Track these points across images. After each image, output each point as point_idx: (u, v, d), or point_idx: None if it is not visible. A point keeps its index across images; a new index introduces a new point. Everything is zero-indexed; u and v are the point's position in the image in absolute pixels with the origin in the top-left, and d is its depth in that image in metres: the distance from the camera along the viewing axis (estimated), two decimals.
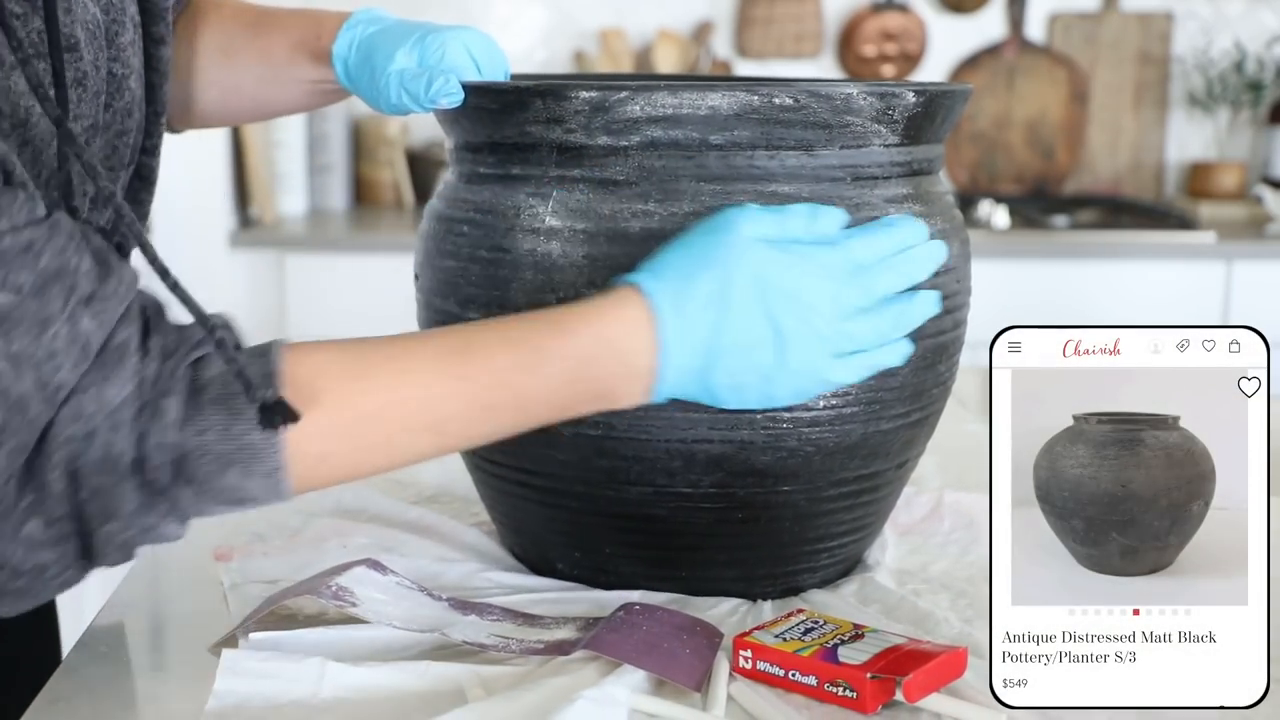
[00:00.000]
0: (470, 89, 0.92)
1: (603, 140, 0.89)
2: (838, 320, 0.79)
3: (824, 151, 0.90)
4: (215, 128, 1.13)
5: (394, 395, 0.75)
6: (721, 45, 3.31)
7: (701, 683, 0.83)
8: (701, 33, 3.25)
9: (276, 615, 0.89)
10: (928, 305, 0.83)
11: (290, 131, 2.97)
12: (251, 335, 2.29)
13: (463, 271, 0.94)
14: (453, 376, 0.76)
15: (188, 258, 2.57)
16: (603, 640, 0.85)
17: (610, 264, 0.88)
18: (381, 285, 2.69)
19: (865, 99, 0.90)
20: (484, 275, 0.93)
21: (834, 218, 0.83)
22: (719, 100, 0.88)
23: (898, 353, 0.83)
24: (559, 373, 0.77)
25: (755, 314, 0.78)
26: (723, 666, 0.86)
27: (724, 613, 0.95)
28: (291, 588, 0.92)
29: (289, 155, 2.98)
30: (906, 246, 0.84)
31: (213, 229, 2.70)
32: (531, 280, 0.91)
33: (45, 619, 1.08)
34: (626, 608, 0.90)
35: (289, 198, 3.00)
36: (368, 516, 1.12)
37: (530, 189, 0.92)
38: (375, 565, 0.94)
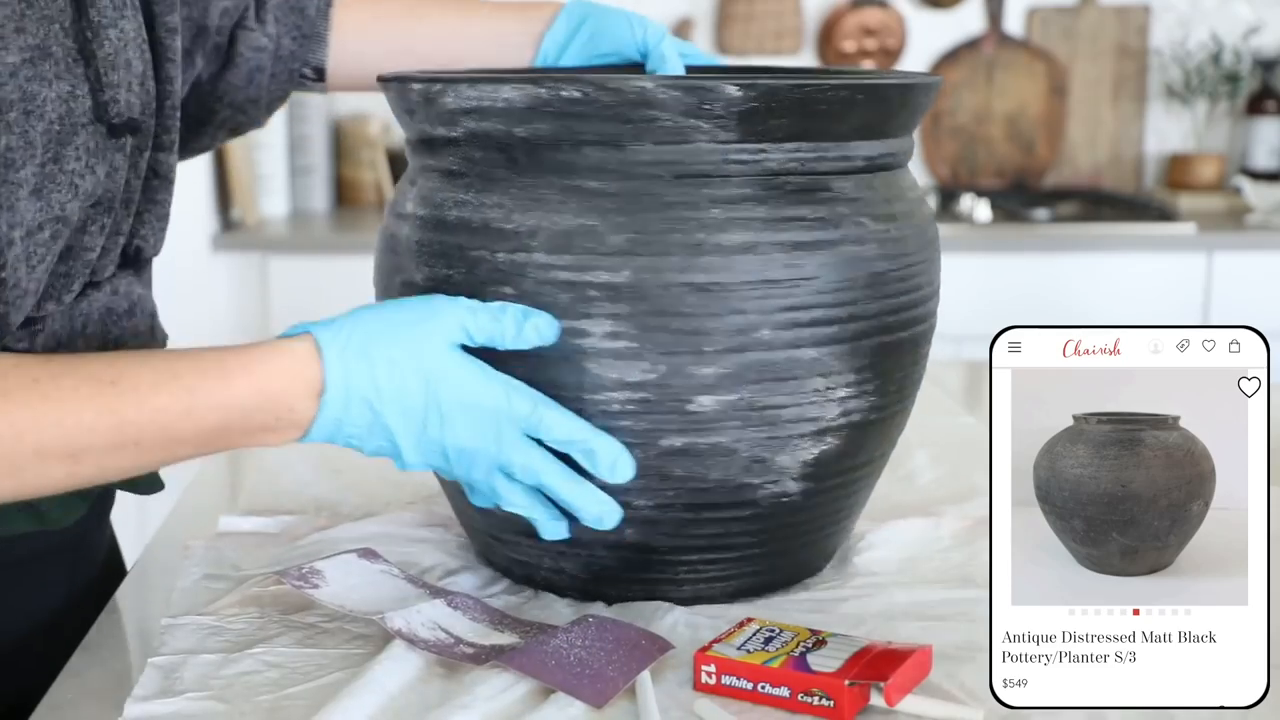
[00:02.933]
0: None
1: (440, 131, 0.93)
2: (497, 455, 0.85)
3: (635, 146, 0.87)
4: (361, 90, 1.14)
5: (30, 418, 0.74)
6: (701, 42, 3.31)
7: (606, 700, 0.80)
8: (681, 30, 3.25)
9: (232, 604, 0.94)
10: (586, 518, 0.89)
11: (271, 133, 2.96)
12: (236, 339, 2.30)
13: (376, 256, 1.03)
14: (100, 408, 0.75)
15: (170, 260, 2.56)
16: (515, 657, 0.84)
17: (432, 249, 0.93)
18: (364, 286, 2.68)
19: (667, 93, 0.85)
20: (380, 259, 1.01)
21: (544, 324, 0.86)
22: (512, 93, 0.87)
23: (547, 523, 0.90)
24: (213, 420, 0.78)
25: (411, 420, 0.83)
26: (672, 678, 0.84)
27: (666, 626, 0.94)
28: (281, 571, 0.94)
29: (270, 157, 2.97)
30: (585, 446, 0.87)
31: (195, 232, 2.69)
32: (385, 262, 0.99)
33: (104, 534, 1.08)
34: (581, 620, 0.89)
35: (271, 199, 2.99)
36: (350, 514, 1.12)
37: (408, 177, 0.99)
38: (367, 554, 0.98)
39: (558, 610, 0.96)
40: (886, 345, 0.93)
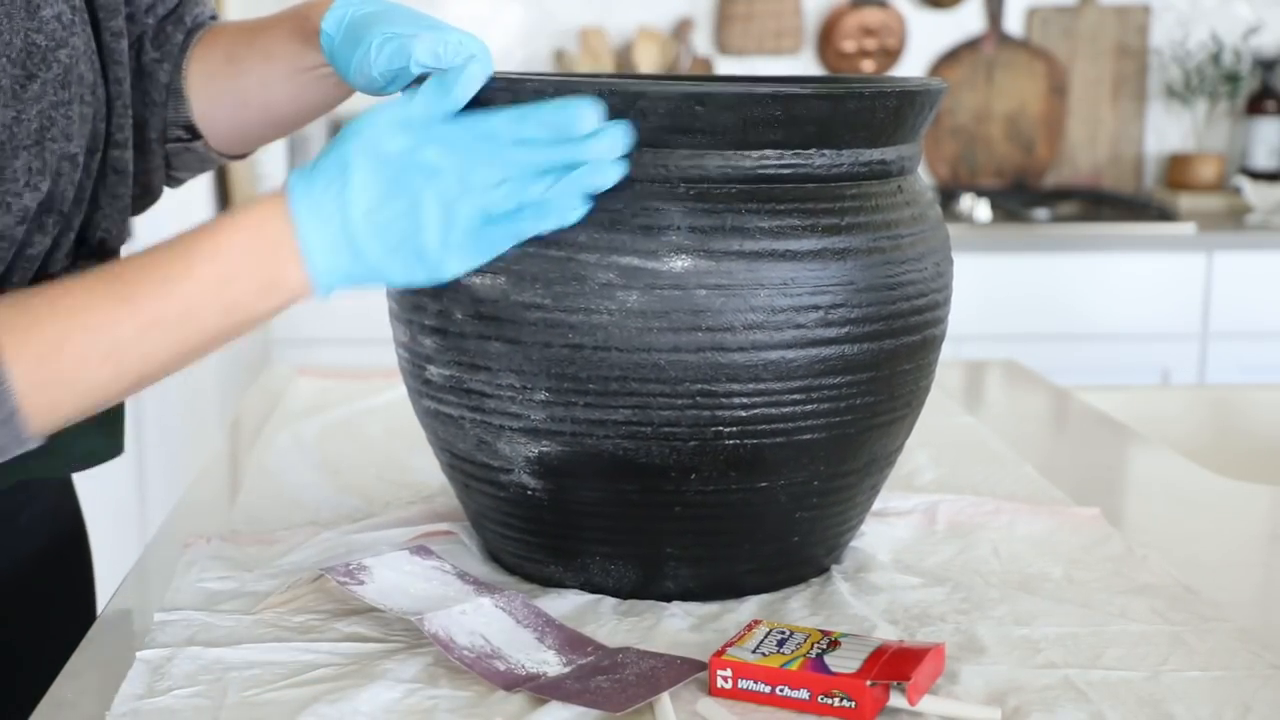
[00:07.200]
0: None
1: None
2: (470, 183, 0.82)
3: (662, 150, 0.89)
4: (251, 148, 1.12)
5: (61, 331, 0.80)
6: (702, 43, 3.31)
7: (625, 706, 0.79)
8: (681, 30, 3.25)
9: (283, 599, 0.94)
10: (596, 177, 0.83)
11: None
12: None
13: None
14: (113, 300, 0.81)
15: None
16: (542, 687, 0.83)
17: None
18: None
19: (701, 100, 0.87)
20: None
21: (456, 87, 0.83)
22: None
23: (567, 213, 0.84)
24: (213, 271, 0.82)
25: (378, 182, 0.81)
26: (689, 692, 0.83)
27: (681, 628, 0.94)
28: (327, 568, 0.95)
29: (270, 157, 2.97)
30: (561, 124, 0.83)
31: None
32: None
33: (79, 577, 1.15)
34: (624, 649, 0.89)
35: None
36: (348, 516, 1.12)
37: None
38: (421, 550, 0.98)
39: (584, 608, 0.96)
40: (898, 349, 0.94)
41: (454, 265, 0.83)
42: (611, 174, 0.84)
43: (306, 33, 0.99)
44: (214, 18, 1.09)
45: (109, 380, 0.82)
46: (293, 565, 1.02)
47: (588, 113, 0.83)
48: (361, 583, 0.92)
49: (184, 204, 2.66)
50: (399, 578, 0.94)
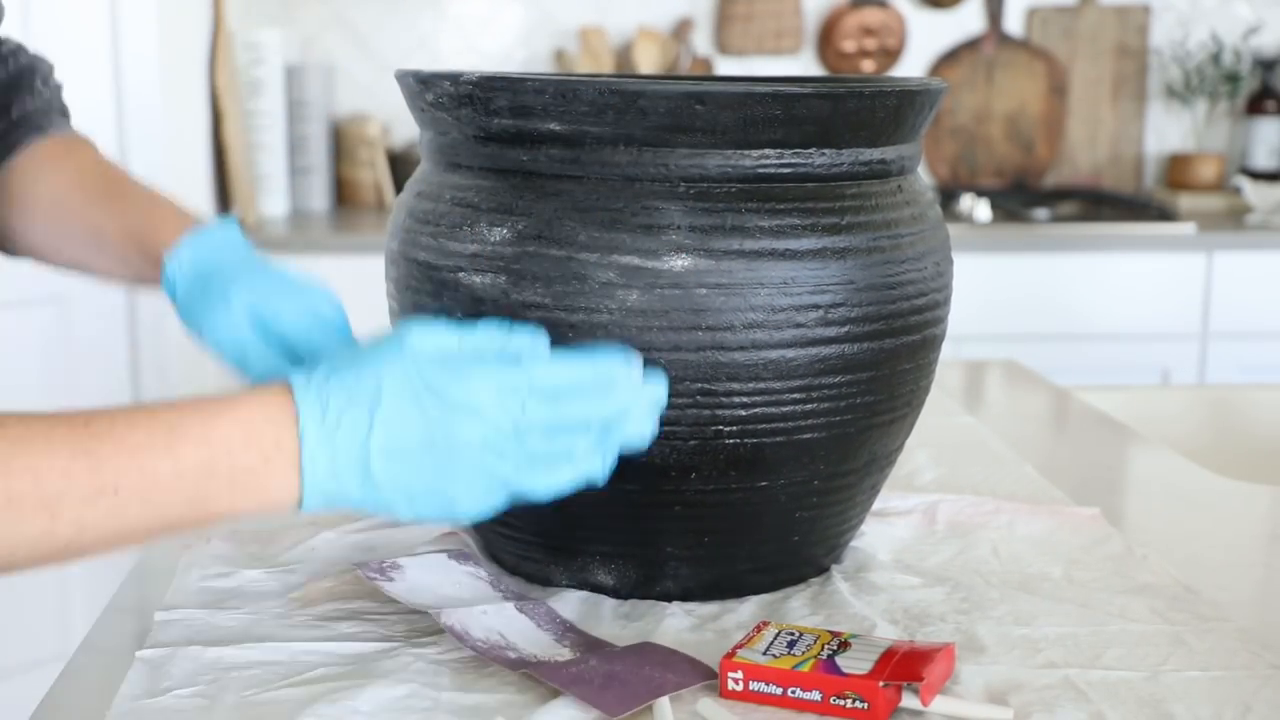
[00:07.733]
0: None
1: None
2: (516, 434, 0.75)
3: (660, 150, 0.90)
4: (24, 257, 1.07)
5: (3, 459, 0.67)
6: (702, 43, 3.31)
7: (622, 712, 0.79)
8: (681, 30, 3.25)
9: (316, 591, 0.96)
10: (631, 440, 0.80)
11: (271, 134, 2.96)
12: None
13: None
14: (75, 449, 0.69)
15: None
16: (546, 668, 0.84)
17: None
18: (364, 286, 2.68)
19: (701, 100, 0.87)
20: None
21: (527, 340, 0.79)
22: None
23: (597, 468, 0.80)
24: (193, 458, 0.71)
25: (408, 419, 0.73)
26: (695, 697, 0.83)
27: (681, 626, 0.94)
28: (359, 563, 0.95)
29: (270, 157, 2.97)
30: (606, 382, 0.79)
31: None
32: None
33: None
34: (638, 645, 0.89)
35: (270, 199, 2.99)
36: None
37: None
38: (458, 555, 0.99)
39: (584, 608, 0.96)
40: (898, 348, 0.94)
41: (473, 509, 0.77)
42: (646, 431, 0.81)
43: (145, 247, 0.97)
44: (65, 113, 1.04)
45: (36, 537, 0.68)
46: (293, 564, 1.02)
47: (630, 369, 0.80)
48: (391, 579, 0.93)
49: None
50: (431, 579, 0.94)
